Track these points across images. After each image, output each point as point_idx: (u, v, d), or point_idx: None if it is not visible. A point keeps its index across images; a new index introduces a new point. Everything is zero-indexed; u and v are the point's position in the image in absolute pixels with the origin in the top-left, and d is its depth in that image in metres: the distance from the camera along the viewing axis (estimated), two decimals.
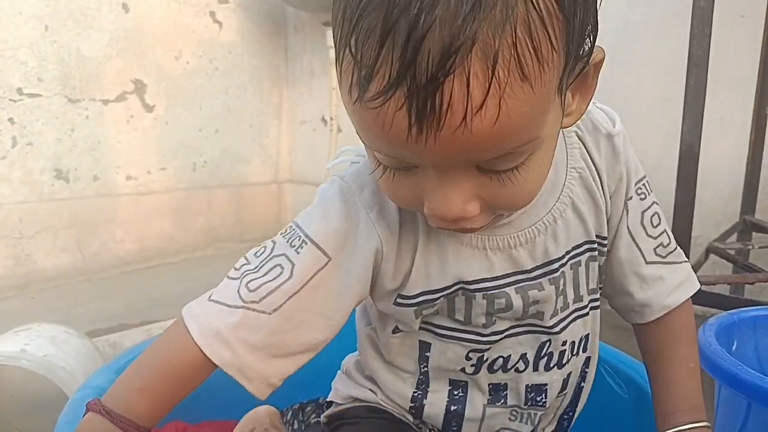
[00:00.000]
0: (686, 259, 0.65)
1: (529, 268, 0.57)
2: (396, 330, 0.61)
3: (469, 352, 0.59)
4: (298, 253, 0.54)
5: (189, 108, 2.41)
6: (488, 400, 0.62)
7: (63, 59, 2.03)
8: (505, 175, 0.44)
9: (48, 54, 1.99)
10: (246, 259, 0.56)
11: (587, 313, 0.61)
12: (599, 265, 0.61)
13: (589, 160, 0.58)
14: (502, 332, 0.58)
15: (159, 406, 0.54)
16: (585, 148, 0.58)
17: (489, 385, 0.61)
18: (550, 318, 0.58)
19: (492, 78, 0.37)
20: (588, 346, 0.63)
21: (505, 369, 0.60)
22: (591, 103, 0.53)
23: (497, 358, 0.60)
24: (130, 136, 2.24)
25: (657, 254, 0.62)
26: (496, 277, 0.56)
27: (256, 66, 2.64)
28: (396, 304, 0.57)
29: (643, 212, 0.61)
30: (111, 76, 2.16)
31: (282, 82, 2.77)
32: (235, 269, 0.56)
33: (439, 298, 0.56)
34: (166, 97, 2.33)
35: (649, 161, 1.74)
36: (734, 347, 0.84)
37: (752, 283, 1.22)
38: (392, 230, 0.54)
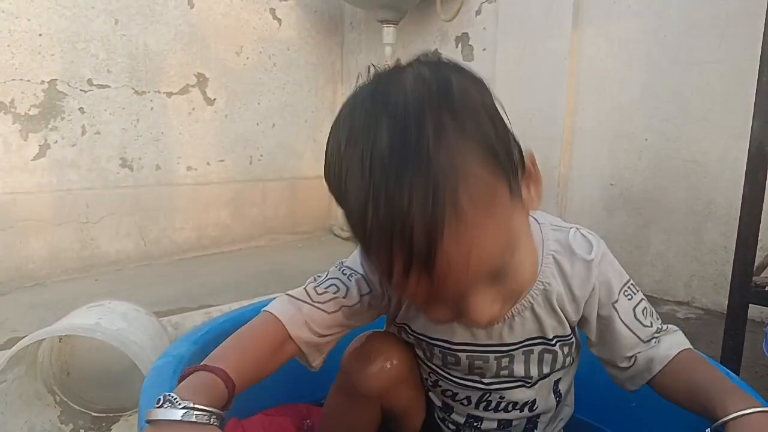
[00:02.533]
0: (677, 329, 0.73)
1: (482, 343, 0.72)
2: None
3: (429, 372, 0.79)
4: (350, 280, 0.72)
5: (248, 102, 2.48)
6: (440, 409, 0.84)
7: (131, 52, 2.11)
8: (507, 275, 0.57)
9: (117, 47, 2.08)
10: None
11: (533, 386, 0.76)
12: (558, 355, 0.74)
13: (559, 277, 0.70)
14: (452, 377, 0.77)
15: (248, 368, 0.62)
16: (559, 267, 0.70)
17: (442, 402, 0.82)
18: (488, 379, 0.75)
19: (465, 232, 0.50)
20: (536, 408, 0.78)
21: (453, 399, 0.79)
22: (575, 228, 0.71)
23: (447, 389, 0.79)
24: (191, 128, 2.32)
25: (654, 336, 0.71)
26: (454, 342, 0.73)
27: (312, 63, 2.70)
28: (393, 324, 0.79)
29: (633, 308, 0.71)
30: (175, 70, 2.24)
31: (337, 78, 2.81)
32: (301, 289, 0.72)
33: (411, 334, 0.76)
34: (226, 92, 2.40)
35: (710, 163, 1.71)
36: None
37: None
38: None
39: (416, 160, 0.49)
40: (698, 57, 1.72)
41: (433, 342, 0.74)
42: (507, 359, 0.73)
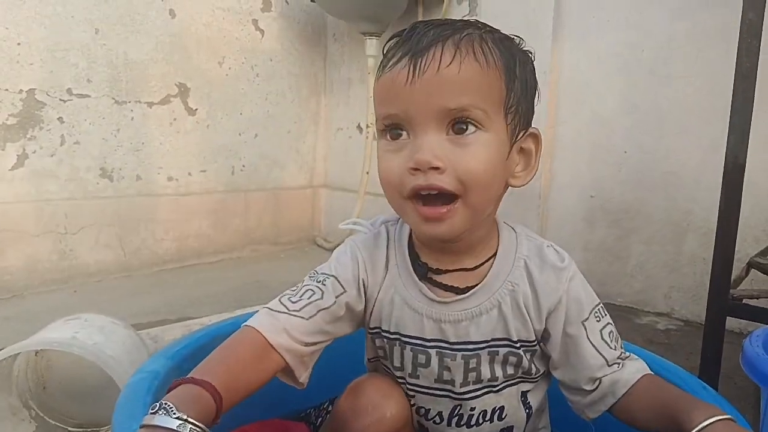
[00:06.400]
0: (638, 357, 0.75)
1: (451, 341, 0.73)
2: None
3: (405, 391, 0.78)
4: (324, 284, 0.74)
5: (230, 112, 2.47)
6: None
7: (111, 62, 2.10)
8: (463, 142, 0.64)
9: (98, 56, 2.06)
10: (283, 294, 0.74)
11: (500, 390, 0.76)
12: (523, 360, 0.74)
13: (527, 282, 0.73)
14: (423, 387, 0.76)
15: (234, 382, 0.62)
16: (528, 272, 0.73)
17: (417, 423, 0.80)
18: (461, 386, 0.75)
19: (456, 53, 0.62)
20: (505, 417, 0.77)
21: (426, 418, 0.78)
22: (550, 244, 0.75)
23: (420, 407, 0.78)
24: (172, 138, 2.30)
25: (619, 359, 0.72)
26: (425, 338, 0.74)
27: (295, 74, 2.70)
28: (368, 334, 0.80)
29: (601, 330, 0.73)
30: (156, 80, 2.22)
31: (320, 89, 2.82)
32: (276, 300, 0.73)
33: (385, 337, 0.77)
34: (208, 102, 2.39)
35: (688, 174, 1.74)
36: None
37: None
38: (374, 276, 0.76)
39: (456, 24, 0.66)
40: (675, 71, 1.75)
41: (405, 340, 0.75)
42: (474, 360, 0.74)
